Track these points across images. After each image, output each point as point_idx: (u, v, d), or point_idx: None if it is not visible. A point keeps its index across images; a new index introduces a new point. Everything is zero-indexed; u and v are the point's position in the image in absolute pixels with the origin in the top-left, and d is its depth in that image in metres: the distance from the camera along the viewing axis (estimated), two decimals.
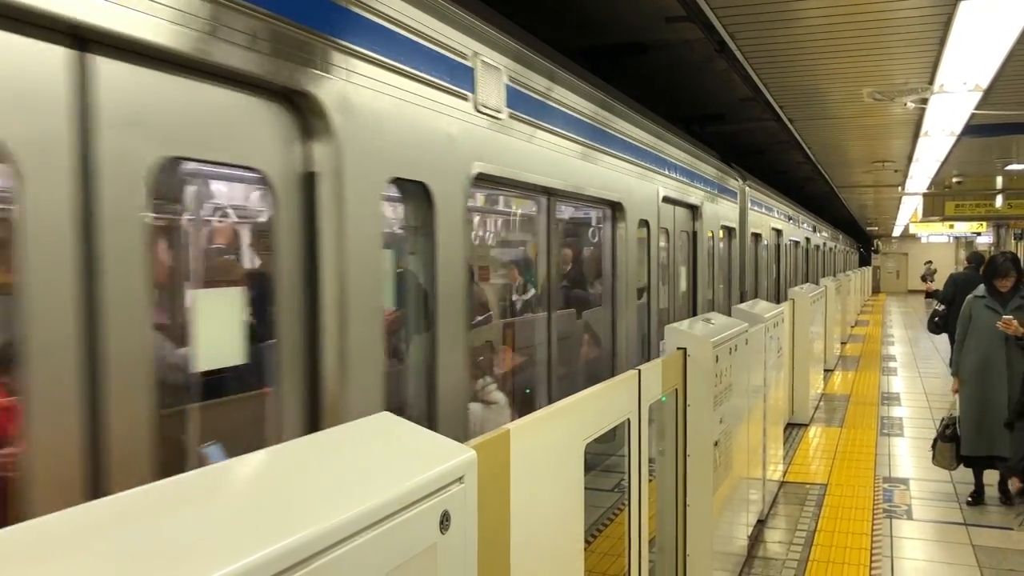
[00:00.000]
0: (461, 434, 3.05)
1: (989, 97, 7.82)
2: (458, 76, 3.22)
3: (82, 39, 1.77)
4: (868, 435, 8.64)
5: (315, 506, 1.26)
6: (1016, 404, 5.71)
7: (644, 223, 5.81)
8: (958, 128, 9.60)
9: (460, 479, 1.58)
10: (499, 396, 4.34)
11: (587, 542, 2.68)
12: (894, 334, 19.79)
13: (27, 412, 1.67)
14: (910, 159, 12.94)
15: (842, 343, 16.03)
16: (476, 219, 5.19)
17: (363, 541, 1.26)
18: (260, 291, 2.51)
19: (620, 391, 3.05)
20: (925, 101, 8.05)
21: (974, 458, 6.21)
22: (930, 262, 38.90)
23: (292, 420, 2.39)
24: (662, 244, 6.43)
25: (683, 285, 7.49)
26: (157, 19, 1.88)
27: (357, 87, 2.58)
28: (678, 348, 3.88)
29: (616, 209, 5.35)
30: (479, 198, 5.10)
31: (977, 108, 8.26)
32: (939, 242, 40.60)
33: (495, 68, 3.53)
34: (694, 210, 7.59)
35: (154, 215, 1.97)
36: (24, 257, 1.67)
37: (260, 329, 2.47)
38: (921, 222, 27.40)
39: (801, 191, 19.66)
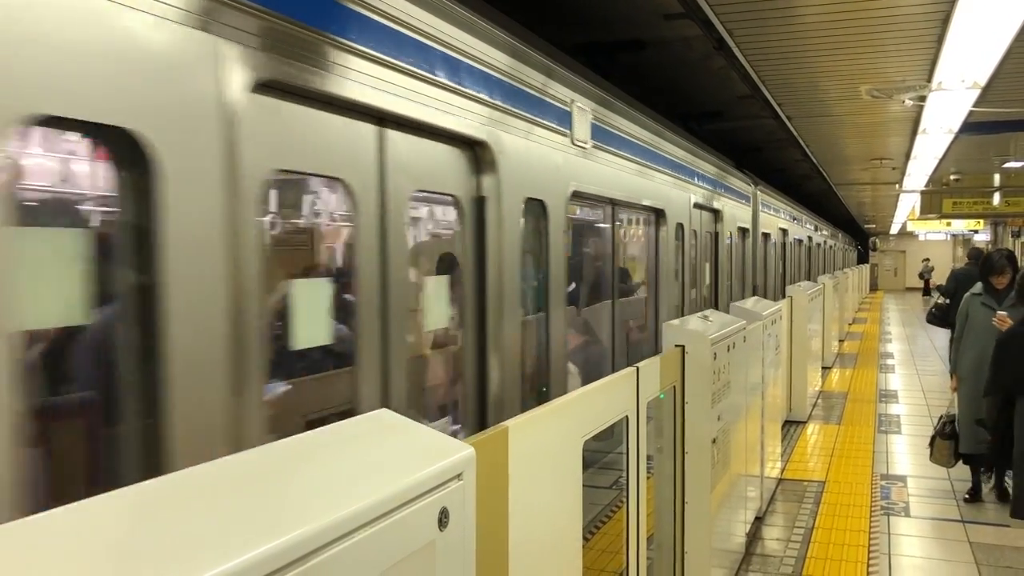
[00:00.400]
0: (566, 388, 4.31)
1: (987, 95, 7.82)
2: (562, 119, 4.44)
3: (381, 119, 2.95)
4: (866, 432, 8.65)
5: (313, 503, 1.25)
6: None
7: (680, 226, 7.14)
8: (956, 126, 9.60)
9: (459, 476, 1.57)
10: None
11: (585, 539, 2.68)
12: (892, 331, 19.81)
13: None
14: (908, 157, 12.95)
15: (840, 340, 16.05)
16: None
17: (361, 538, 1.26)
18: (458, 278, 3.63)
19: (618, 388, 3.04)
20: (923, 99, 8.05)
21: (972, 455, 6.23)
22: (927, 260, 39.18)
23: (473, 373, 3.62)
24: (692, 243, 7.74)
25: (707, 278, 8.85)
26: (419, 104, 3.03)
27: (510, 135, 3.78)
28: (676, 345, 3.87)
29: (659, 215, 6.66)
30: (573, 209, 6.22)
31: (975, 105, 8.27)
32: (936, 240, 40.66)
33: (585, 111, 4.76)
34: (716, 214, 8.91)
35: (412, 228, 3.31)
36: (364, 259, 2.89)
37: (457, 303, 3.63)
38: (919, 220, 27.48)
39: (799, 189, 19.68)
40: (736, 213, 9.93)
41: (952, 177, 17.21)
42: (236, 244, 2.13)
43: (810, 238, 19.00)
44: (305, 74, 2.41)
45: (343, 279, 2.94)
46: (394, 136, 3.02)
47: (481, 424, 3.60)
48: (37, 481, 1.81)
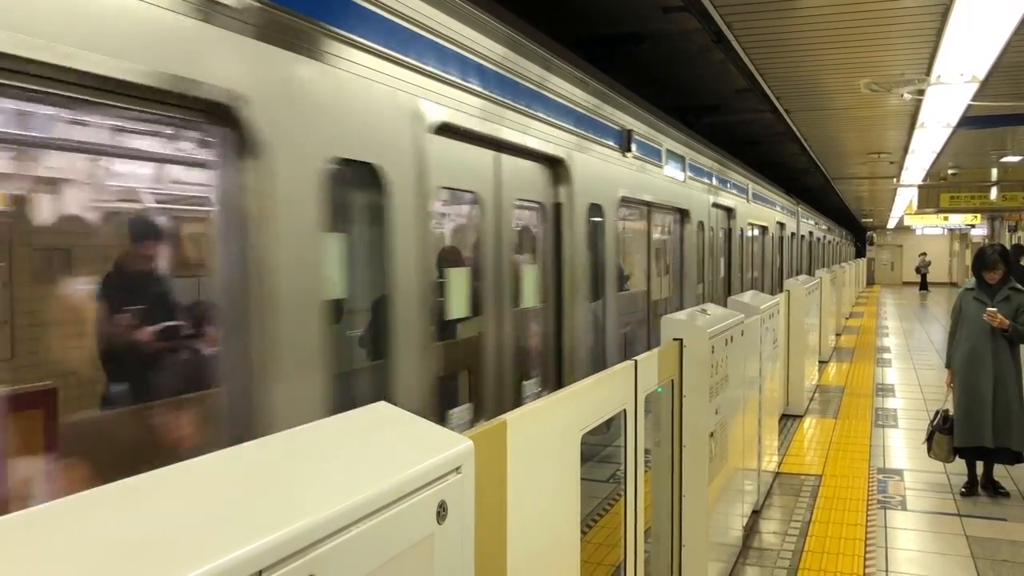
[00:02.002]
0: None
1: (985, 89, 7.82)
2: (618, 138, 5.67)
3: (498, 146, 3.99)
4: (863, 426, 8.67)
5: (311, 496, 1.25)
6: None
7: (766, 228, 11.13)
8: (954, 120, 9.61)
9: (457, 469, 1.57)
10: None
11: (583, 532, 2.68)
12: (888, 326, 19.83)
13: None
14: (906, 151, 12.96)
15: (837, 334, 16.07)
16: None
17: (359, 531, 1.26)
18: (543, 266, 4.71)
19: (617, 382, 3.04)
20: (922, 92, 8.05)
21: (965, 449, 6.24)
22: (924, 254, 39.23)
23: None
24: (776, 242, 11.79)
25: (788, 262, 12.94)
26: (522, 134, 4.09)
27: (581, 153, 4.92)
28: (674, 339, 3.87)
29: (730, 215, 9.21)
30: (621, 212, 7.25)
31: (973, 99, 8.26)
32: (934, 234, 40.71)
33: (633, 130, 5.90)
34: (783, 225, 13.66)
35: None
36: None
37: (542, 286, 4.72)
38: (916, 214, 27.44)
39: (797, 183, 19.67)
40: (788, 222, 15.78)
41: (950, 171, 17.23)
42: (424, 240, 3.10)
43: (811, 233, 21.58)
44: (460, 119, 3.45)
45: (475, 268, 4.02)
46: (505, 159, 4.13)
47: (558, 379, 4.72)
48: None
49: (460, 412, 3.88)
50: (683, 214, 7.81)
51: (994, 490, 6.32)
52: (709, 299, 8.73)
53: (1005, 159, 14.94)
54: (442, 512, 1.50)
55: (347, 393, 2.83)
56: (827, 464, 7.19)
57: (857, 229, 42.59)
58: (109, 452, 2.71)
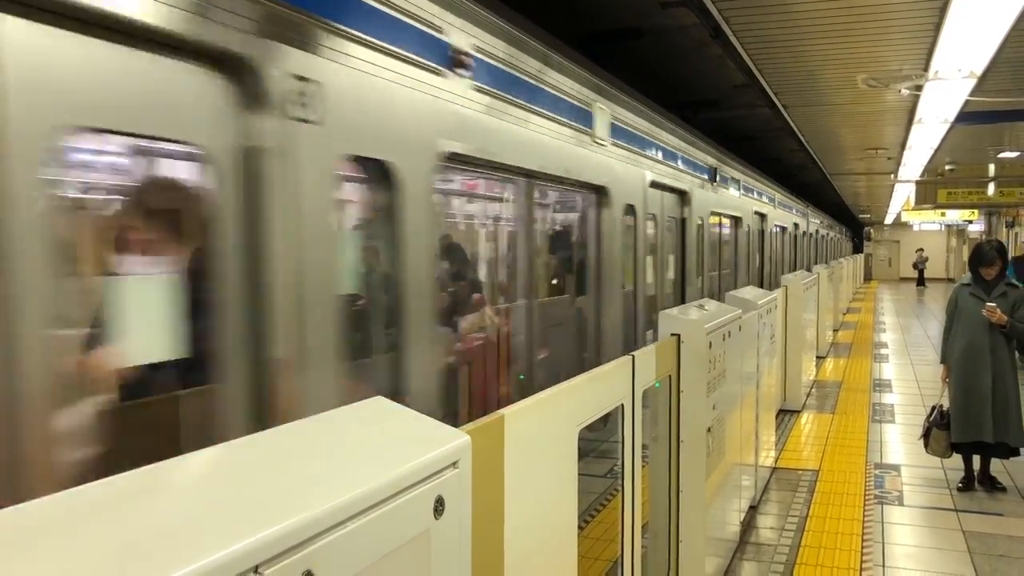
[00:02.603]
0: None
1: (983, 84, 7.81)
2: (711, 174, 8.02)
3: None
4: (860, 422, 8.68)
5: (307, 491, 1.25)
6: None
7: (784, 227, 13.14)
8: (952, 115, 9.60)
9: (454, 464, 1.57)
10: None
11: (580, 527, 2.68)
12: (886, 321, 19.85)
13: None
14: (903, 146, 12.95)
15: (834, 330, 16.08)
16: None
17: (356, 526, 1.25)
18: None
19: (614, 377, 3.04)
20: (919, 88, 8.04)
21: (962, 444, 6.25)
22: (921, 249, 39.27)
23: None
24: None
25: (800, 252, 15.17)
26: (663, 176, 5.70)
27: (697, 189, 7.36)
28: (672, 334, 3.87)
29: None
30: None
31: (971, 95, 8.26)
32: (931, 230, 40.75)
33: (718, 168, 8.17)
34: (797, 225, 15.89)
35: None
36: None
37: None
38: (913, 210, 27.49)
39: (795, 179, 19.66)
40: (801, 221, 17.94)
41: (947, 167, 17.22)
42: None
43: (825, 232, 24.06)
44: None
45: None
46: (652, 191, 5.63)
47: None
48: None
49: None
50: (761, 217, 12.23)
51: (991, 485, 6.33)
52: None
53: (1002, 155, 14.93)
54: (439, 507, 1.50)
55: None
56: (824, 459, 7.20)
57: (855, 225, 42.60)
58: None
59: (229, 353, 2.09)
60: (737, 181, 10.24)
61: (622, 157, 5.38)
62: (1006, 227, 27.87)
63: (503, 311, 4.57)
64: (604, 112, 4.96)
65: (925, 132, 11.04)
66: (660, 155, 6.43)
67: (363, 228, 3.03)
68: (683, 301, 7.06)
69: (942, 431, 6.31)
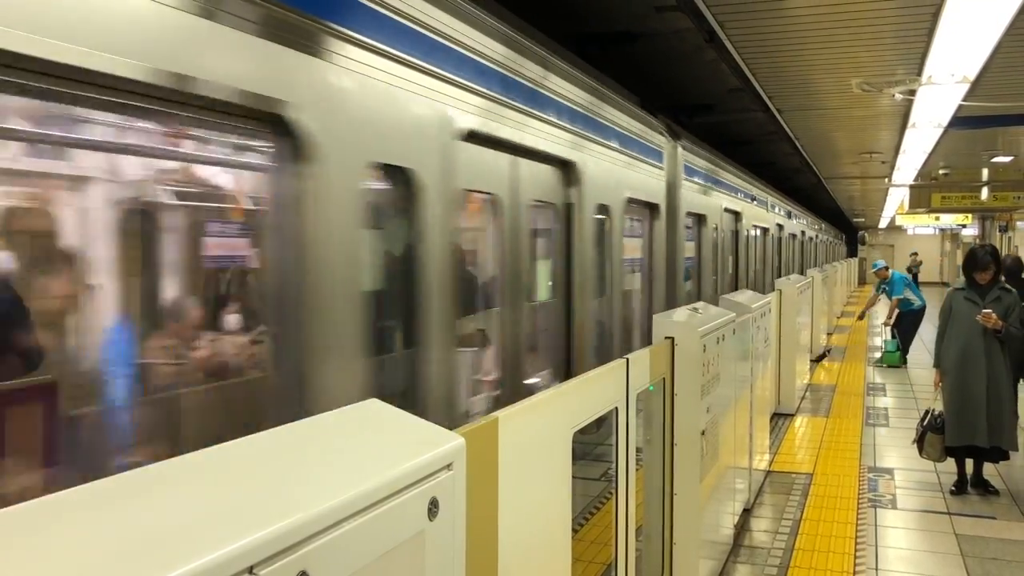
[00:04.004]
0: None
1: (976, 89, 7.84)
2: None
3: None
4: (854, 425, 8.70)
5: (302, 493, 1.25)
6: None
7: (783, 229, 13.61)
8: (945, 120, 9.63)
9: (449, 466, 1.58)
10: None
11: (575, 530, 2.69)
12: (880, 325, 19.86)
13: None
14: (897, 151, 12.99)
15: (828, 334, 16.10)
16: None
17: (351, 527, 1.26)
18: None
19: (608, 380, 3.05)
20: (913, 92, 8.07)
21: (956, 448, 6.27)
22: (915, 253, 39.35)
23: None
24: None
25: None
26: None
27: (752, 207, 10.05)
28: (666, 337, 3.88)
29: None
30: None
31: (964, 100, 8.29)
32: (925, 234, 40.84)
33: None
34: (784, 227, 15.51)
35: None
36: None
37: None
38: (907, 214, 27.51)
39: (789, 182, 19.70)
40: (795, 224, 17.89)
41: (941, 171, 17.28)
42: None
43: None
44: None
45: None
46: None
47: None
48: None
49: None
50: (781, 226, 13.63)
51: (984, 488, 6.35)
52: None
53: (996, 159, 14.98)
54: (433, 509, 1.50)
55: None
56: (818, 462, 7.22)
57: (849, 229, 42.68)
58: None
59: None
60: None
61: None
62: (999, 231, 27.94)
63: None
64: None
65: (919, 136, 11.08)
66: None
67: None
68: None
69: (936, 435, 6.33)
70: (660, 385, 3.79)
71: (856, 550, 5.17)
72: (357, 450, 1.54)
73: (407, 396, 2.85)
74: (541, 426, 2.43)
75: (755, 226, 11.88)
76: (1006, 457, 6.27)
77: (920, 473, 6.83)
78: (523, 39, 3.90)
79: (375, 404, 1.80)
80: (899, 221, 33.58)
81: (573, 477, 2.62)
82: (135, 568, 0.97)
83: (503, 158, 3.86)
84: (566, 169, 4.50)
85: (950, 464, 6.47)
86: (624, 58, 7.61)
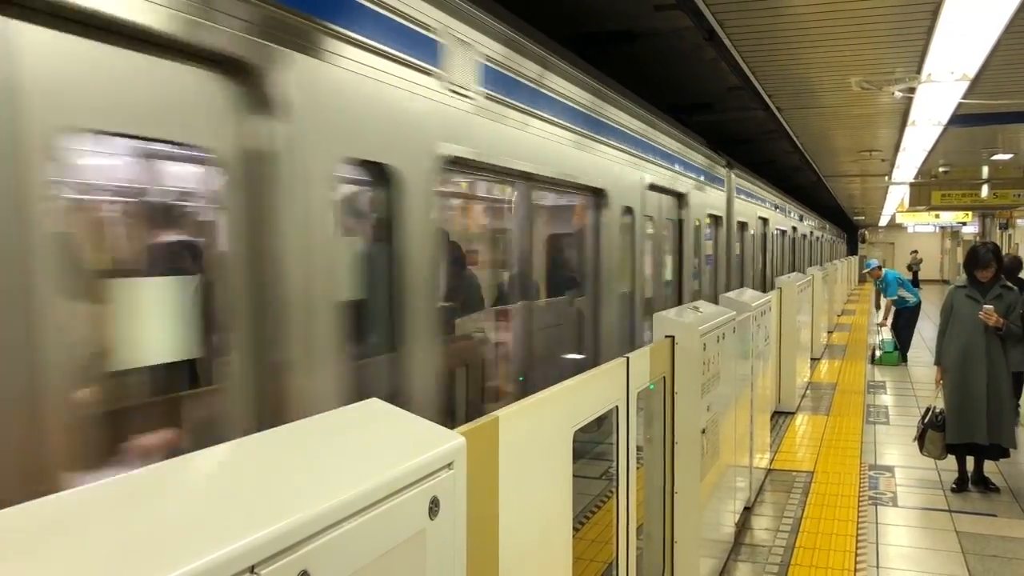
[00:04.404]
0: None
1: (976, 87, 7.84)
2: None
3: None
4: (854, 423, 8.70)
5: (303, 492, 1.25)
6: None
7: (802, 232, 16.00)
8: (945, 118, 9.63)
9: (449, 465, 1.58)
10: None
11: (575, 529, 2.69)
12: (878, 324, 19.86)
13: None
14: (897, 149, 12.99)
15: (829, 332, 16.10)
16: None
17: (352, 527, 1.26)
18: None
19: (608, 378, 3.05)
20: (913, 90, 8.07)
21: (956, 445, 6.28)
22: (916, 251, 39.34)
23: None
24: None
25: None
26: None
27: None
28: (666, 336, 3.88)
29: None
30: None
31: (964, 98, 8.29)
32: (925, 232, 40.84)
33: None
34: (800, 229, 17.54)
35: None
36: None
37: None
38: (907, 211, 27.53)
39: (789, 181, 19.70)
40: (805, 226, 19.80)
41: (941, 169, 17.27)
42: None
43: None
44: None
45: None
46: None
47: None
48: None
49: None
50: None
51: (984, 486, 6.36)
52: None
53: (996, 157, 14.98)
54: (434, 508, 1.51)
55: None
56: (819, 461, 7.22)
57: (849, 227, 42.68)
58: None
59: None
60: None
61: None
62: (1000, 228, 27.95)
63: None
64: None
65: (919, 134, 11.08)
66: None
67: None
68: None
69: (937, 433, 6.33)
70: (660, 384, 3.80)
71: (857, 548, 5.17)
72: (358, 449, 1.54)
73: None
74: (542, 425, 2.44)
75: (777, 228, 15.19)
76: (1006, 455, 6.27)
77: (921, 471, 6.83)
78: (681, 135, 6.93)
79: (376, 403, 1.80)
80: (899, 219, 33.58)
81: (574, 476, 2.62)
82: (137, 567, 0.97)
83: (659, 195, 6.64)
84: (680, 199, 7.44)
85: (951, 462, 6.47)
86: (624, 57, 7.62)
